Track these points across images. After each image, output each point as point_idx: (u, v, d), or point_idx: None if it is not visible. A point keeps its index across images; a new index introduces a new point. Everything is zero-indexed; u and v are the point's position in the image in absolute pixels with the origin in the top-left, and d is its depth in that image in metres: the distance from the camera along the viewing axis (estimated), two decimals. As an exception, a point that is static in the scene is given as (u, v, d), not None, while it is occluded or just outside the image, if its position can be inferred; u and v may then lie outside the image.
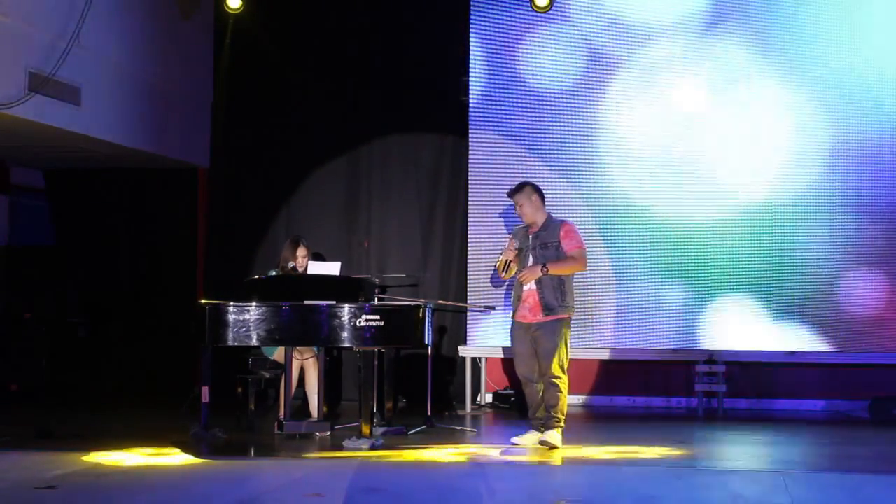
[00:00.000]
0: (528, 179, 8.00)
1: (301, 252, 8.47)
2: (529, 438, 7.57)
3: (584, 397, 10.46)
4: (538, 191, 7.68)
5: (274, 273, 8.52)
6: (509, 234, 8.07)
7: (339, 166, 10.78)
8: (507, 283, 9.12)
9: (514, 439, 7.62)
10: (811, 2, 10.00)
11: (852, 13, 9.96)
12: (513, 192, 7.72)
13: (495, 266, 7.91)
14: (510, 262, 7.60)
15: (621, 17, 10.17)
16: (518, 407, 9.42)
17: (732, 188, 10.01)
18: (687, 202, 10.05)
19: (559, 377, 7.45)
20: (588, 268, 7.89)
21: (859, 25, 9.94)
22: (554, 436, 7.44)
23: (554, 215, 7.76)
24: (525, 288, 7.53)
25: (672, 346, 10.01)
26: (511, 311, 7.74)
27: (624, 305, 10.07)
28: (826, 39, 9.95)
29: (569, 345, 7.57)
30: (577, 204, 10.05)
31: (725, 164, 10.03)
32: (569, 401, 10.26)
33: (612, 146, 10.15)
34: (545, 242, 7.56)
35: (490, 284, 10.02)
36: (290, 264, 8.44)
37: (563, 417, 7.51)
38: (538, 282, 7.48)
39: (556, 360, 7.44)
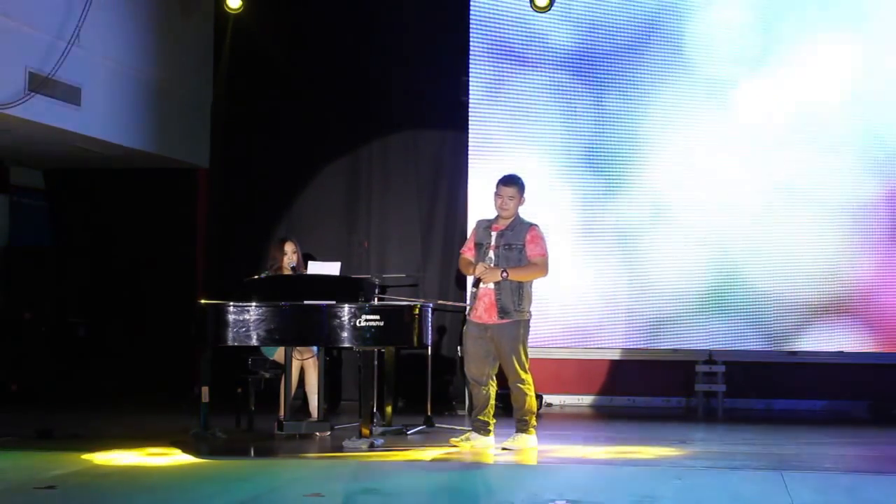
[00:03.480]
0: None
1: (290, 248, 8.46)
2: (481, 441, 7.47)
3: (584, 397, 10.46)
4: (524, 191, 7.50)
5: (265, 275, 8.50)
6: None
7: (339, 166, 10.79)
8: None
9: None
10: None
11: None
12: (508, 182, 7.43)
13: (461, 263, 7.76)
14: (471, 262, 7.48)
15: (621, 16, 10.17)
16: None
17: (733, 188, 10.02)
18: (687, 202, 10.05)
19: (523, 379, 7.39)
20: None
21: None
22: (523, 439, 7.40)
23: (524, 216, 7.50)
24: (482, 286, 7.41)
25: (672, 346, 10.01)
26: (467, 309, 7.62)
27: (624, 306, 10.06)
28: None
29: (527, 345, 7.43)
30: (577, 204, 10.06)
31: (725, 165, 10.04)
32: (569, 401, 10.41)
33: (613, 146, 10.15)
34: (510, 244, 7.37)
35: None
36: (291, 264, 8.44)
37: (532, 419, 7.45)
38: (497, 283, 7.34)
39: (516, 364, 7.36)
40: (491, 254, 7.42)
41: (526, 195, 7.49)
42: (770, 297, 9.92)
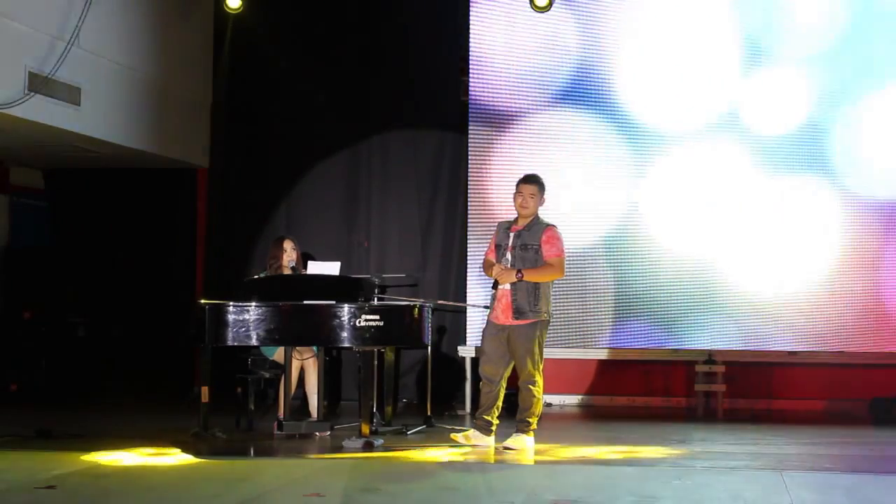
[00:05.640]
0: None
1: (289, 245, 8.47)
2: (482, 441, 7.49)
3: (584, 397, 10.47)
4: (545, 191, 7.56)
5: (265, 274, 8.50)
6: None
7: (339, 166, 10.80)
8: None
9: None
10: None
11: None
12: (528, 181, 7.46)
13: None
14: (492, 263, 7.52)
15: (621, 16, 10.17)
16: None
17: (733, 188, 10.01)
18: (687, 202, 10.05)
19: (534, 381, 7.40)
20: (570, 273, 7.68)
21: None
22: (522, 440, 7.40)
23: (542, 217, 7.54)
24: (500, 288, 7.42)
25: (672, 346, 10.01)
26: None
27: (624, 305, 10.07)
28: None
29: (543, 347, 7.46)
30: (576, 204, 10.05)
31: (727, 165, 10.04)
32: (569, 401, 10.41)
33: (613, 145, 10.15)
34: (526, 244, 7.39)
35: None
36: (291, 263, 8.44)
37: (534, 421, 7.44)
38: (513, 284, 7.35)
39: (530, 364, 7.37)
40: (508, 255, 7.44)
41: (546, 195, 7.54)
42: (770, 297, 9.92)
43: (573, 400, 10.47)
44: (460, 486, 6.17)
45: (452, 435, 7.65)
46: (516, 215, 7.55)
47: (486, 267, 7.63)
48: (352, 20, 10.76)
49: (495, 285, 7.48)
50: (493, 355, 7.50)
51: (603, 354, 10.13)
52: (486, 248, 7.79)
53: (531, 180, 7.51)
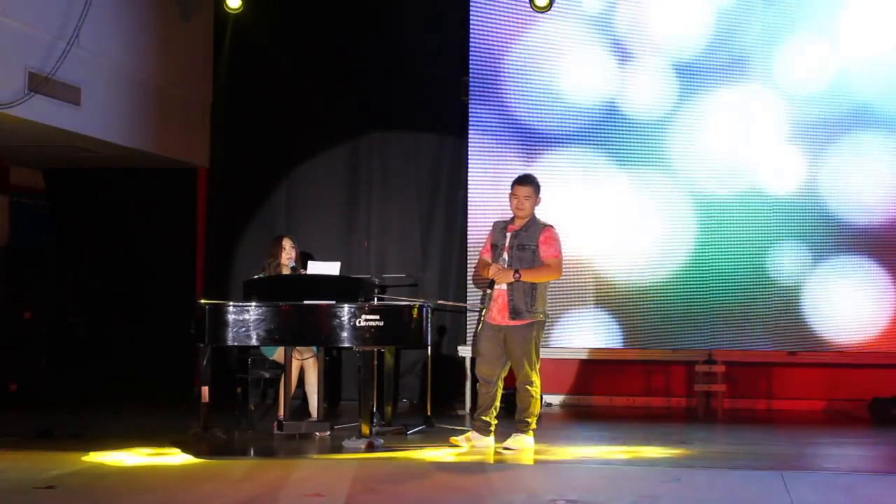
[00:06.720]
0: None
1: (287, 243, 8.50)
2: (482, 441, 7.50)
3: (584, 397, 10.46)
4: (540, 191, 7.54)
5: (264, 273, 8.50)
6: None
7: (339, 166, 10.79)
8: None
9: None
10: None
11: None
12: (523, 182, 7.44)
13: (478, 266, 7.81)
14: (488, 263, 7.50)
15: (620, 16, 10.17)
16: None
17: (732, 187, 10.01)
18: (686, 201, 10.05)
19: (532, 381, 7.40)
20: (564, 274, 7.66)
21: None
22: (522, 440, 7.41)
23: (539, 217, 7.52)
24: (496, 287, 7.41)
25: (672, 346, 10.01)
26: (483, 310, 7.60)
27: (624, 306, 10.06)
28: None
29: (539, 347, 7.45)
30: (575, 204, 10.05)
31: (724, 163, 10.04)
32: (569, 401, 10.41)
33: (611, 146, 10.15)
34: (523, 244, 7.38)
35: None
36: (290, 262, 8.44)
37: (533, 421, 7.45)
38: (510, 284, 7.34)
39: (527, 365, 7.37)
40: (505, 255, 7.42)
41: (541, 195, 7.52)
42: (770, 297, 9.92)
43: (573, 400, 10.47)
44: (460, 486, 6.18)
45: (452, 438, 7.64)
46: (513, 215, 7.54)
47: (482, 266, 7.61)
48: (352, 20, 10.75)
49: (491, 285, 7.47)
50: (490, 356, 7.49)
51: (603, 354, 10.12)
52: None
53: (526, 181, 7.48)
